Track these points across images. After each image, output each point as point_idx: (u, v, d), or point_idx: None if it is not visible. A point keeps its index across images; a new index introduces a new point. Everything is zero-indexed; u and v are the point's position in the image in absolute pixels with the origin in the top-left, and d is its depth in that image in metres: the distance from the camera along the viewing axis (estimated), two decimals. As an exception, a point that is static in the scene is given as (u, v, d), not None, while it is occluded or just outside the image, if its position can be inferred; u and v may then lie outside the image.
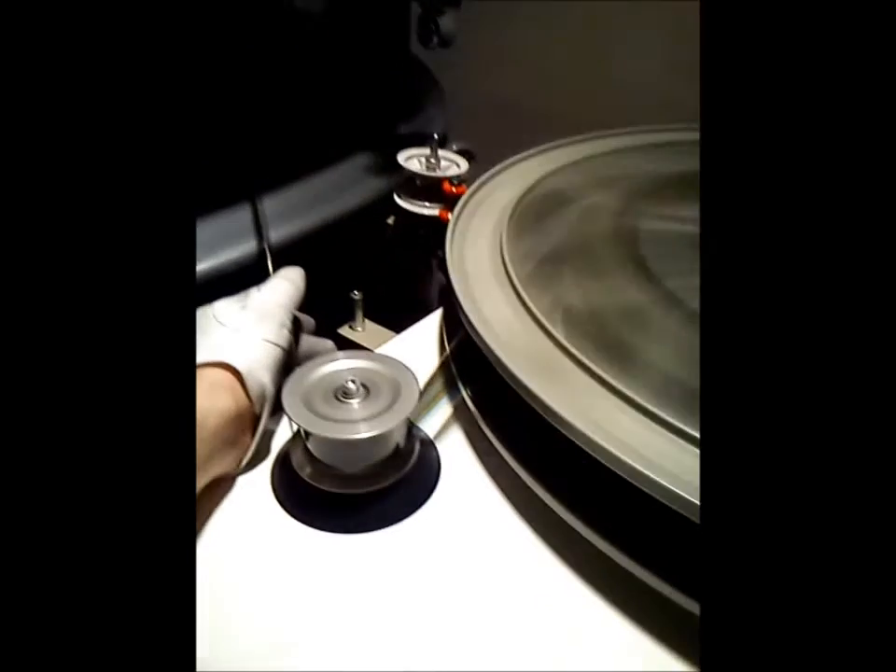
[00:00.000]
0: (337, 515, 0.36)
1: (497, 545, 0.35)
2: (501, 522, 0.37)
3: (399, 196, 0.67)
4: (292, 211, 0.61)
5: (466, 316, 0.37)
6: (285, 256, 0.52)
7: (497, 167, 0.58)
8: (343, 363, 0.38)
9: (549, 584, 0.34)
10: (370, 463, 0.37)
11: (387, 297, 0.60)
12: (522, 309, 0.39)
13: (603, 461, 0.29)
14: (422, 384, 0.41)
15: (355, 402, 0.36)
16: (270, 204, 0.61)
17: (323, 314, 0.54)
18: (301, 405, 0.35)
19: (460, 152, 0.67)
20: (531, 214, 0.51)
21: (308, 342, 0.45)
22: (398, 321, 0.55)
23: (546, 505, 0.35)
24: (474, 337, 0.36)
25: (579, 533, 0.33)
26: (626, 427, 0.30)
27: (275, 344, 0.39)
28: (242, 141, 0.61)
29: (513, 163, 0.59)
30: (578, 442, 0.30)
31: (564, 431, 0.31)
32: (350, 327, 0.55)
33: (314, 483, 0.37)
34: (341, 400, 0.36)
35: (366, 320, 0.55)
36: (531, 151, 0.61)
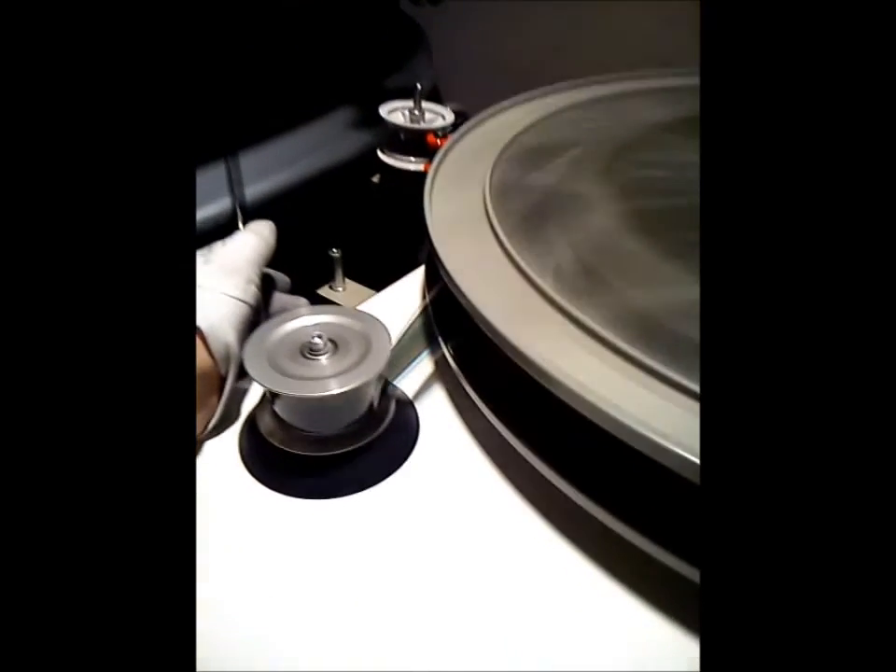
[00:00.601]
0: (308, 480, 0.34)
1: (478, 508, 0.33)
2: (483, 483, 0.34)
3: (383, 152, 0.64)
4: (270, 167, 0.59)
5: (440, 262, 0.35)
6: (262, 213, 0.49)
7: (482, 114, 0.54)
8: (309, 319, 0.35)
9: (535, 549, 0.31)
10: (342, 423, 0.35)
11: (372, 256, 0.58)
12: (504, 257, 0.36)
13: (591, 417, 0.27)
14: (398, 338, 0.38)
15: (323, 359, 0.34)
16: (247, 161, 0.58)
17: (303, 274, 0.52)
18: (266, 365, 0.33)
19: (454, 113, 0.64)
20: (517, 162, 0.48)
21: (281, 300, 0.43)
22: (384, 282, 0.52)
23: (531, 466, 0.32)
24: (449, 284, 0.34)
25: (566, 495, 0.31)
26: (616, 380, 0.28)
27: (241, 301, 0.37)
28: (218, 95, 0.58)
29: (499, 111, 0.56)
30: (562, 398, 0.28)
31: (545, 384, 0.28)
32: (330, 287, 0.52)
33: (283, 447, 0.34)
34: (308, 357, 0.34)
35: (346, 279, 0.53)
36: (517, 98, 0.58)
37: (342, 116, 0.67)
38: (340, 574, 0.30)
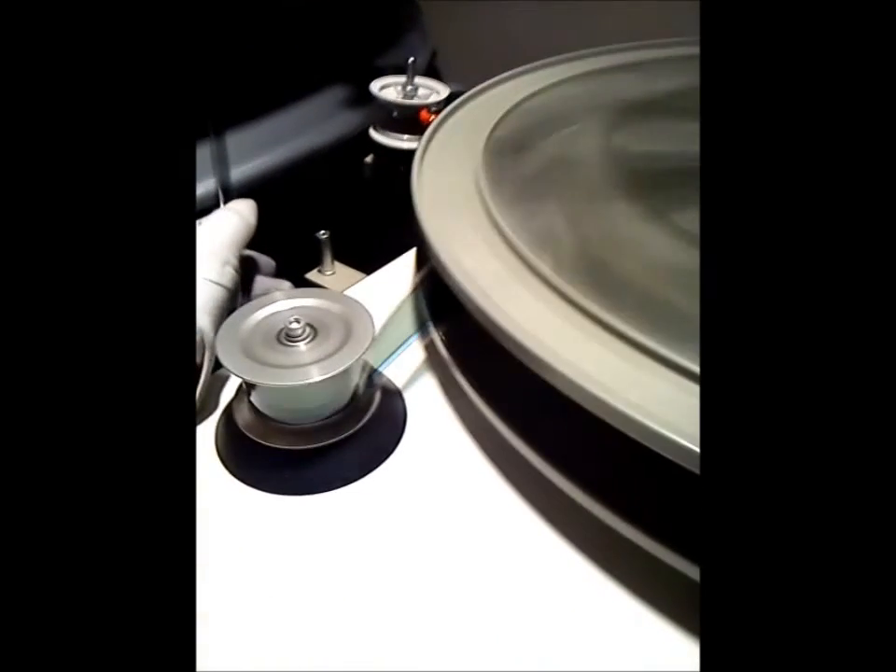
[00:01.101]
0: (287, 475, 0.32)
1: (469, 505, 0.31)
2: (475, 479, 0.32)
3: (375, 130, 0.61)
4: (257, 147, 0.56)
5: (427, 240, 0.32)
6: (248, 195, 0.47)
7: (475, 89, 0.52)
8: (285, 303, 0.33)
9: (531, 549, 0.29)
10: (323, 414, 0.32)
11: (363, 239, 0.55)
12: (496, 235, 0.33)
13: (592, 409, 0.24)
14: (383, 321, 0.36)
15: (301, 345, 0.31)
16: (233, 140, 0.55)
17: (292, 257, 0.50)
18: (239, 353, 0.30)
19: (454, 95, 0.61)
20: (511, 137, 0.45)
21: (263, 283, 0.41)
22: (376, 265, 0.50)
23: (527, 460, 0.30)
24: (435, 263, 0.31)
25: (564, 492, 0.28)
26: (619, 367, 0.25)
27: (217, 284, 0.35)
28: (203, 73, 0.56)
29: (493, 85, 0.53)
30: (560, 387, 0.25)
31: (541, 372, 0.26)
32: (319, 270, 0.50)
33: (260, 441, 0.32)
34: (285, 344, 0.31)
35: (336, 263, 0.50)
36: (513, 72, 0.55)
37: (332, 94, 0.65)
38: (322, 574, 0.28)
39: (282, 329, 0.32)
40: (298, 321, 0.31)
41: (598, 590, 0.28)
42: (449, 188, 0.38)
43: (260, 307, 0.33)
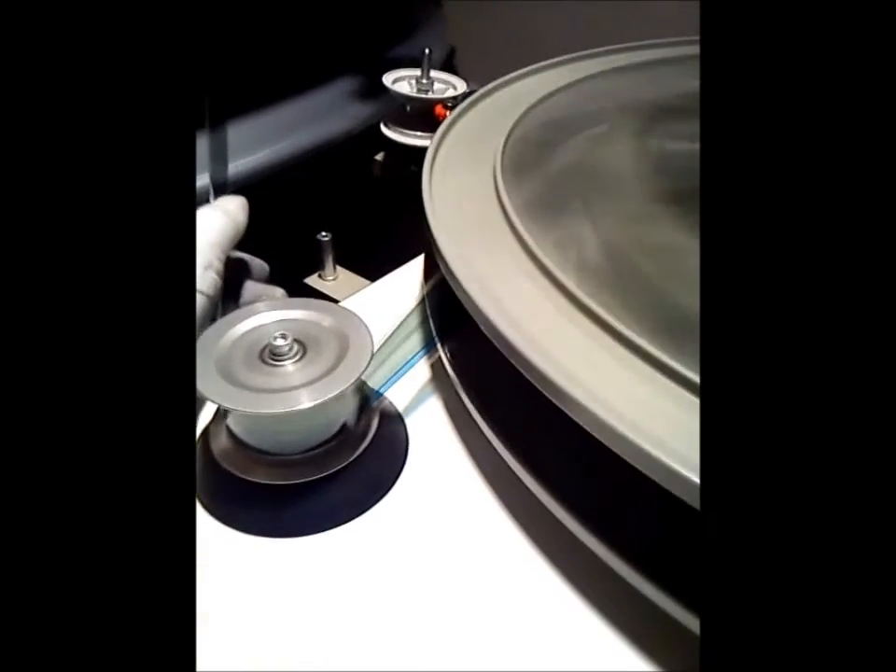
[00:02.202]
0: (270, 514, 0.28)
1: (478, 548, 0.27)
2: (484, 519, 0.28)
3: (387, 126, 0.57)
4: (256, 140, 0.52)
5: (437, 247, 0.28)
6: (245, 191, 0.43)
7: (493, 84, 0.47)
8: (270, 315, 0.29)
9: (541, 595, 0.25)
10: (311, 443, 0.28)
11: (370, 242, 0.51)
12: (515, 243, 0.29)
13: (622, 453, 0.20)
14: (385, 336, 0.32)
15: (288, 364, 0.27)
16: (232, 132, 0.51)
17: (291, 261, 0.46)
18: (215, 374, 0.26)
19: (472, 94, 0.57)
20: (533, 136, 0.41)
21: (254, 290, 0.37)
22: (383, 272, 0.46)
23: (541, 501, 0.26)
24: (446, 274, 0.27)
25: (584, 545, 0.24)
26: (655, 403, 0.21)
27: (197, 291, 0.31)
28: (205, 59, 0.52)
29: (512, 80, 0.49)
30: (585, 425, 0.21)
31: (562, 405, 0.22)
32: (319, 276, 0.46)
33: (239, 474, 0.28)
34: (269, 364, 0.27)
35: (339, 268, 0.46)
36: (532, 67, 0.50)
37: (341, 86, 0.60)
38: (307, 629, 0.24)
39: (266, 346, 0.27)
40: (284, 337, 0.27)
41: (610, 644, 0.23)
42: (464, 191, 0.34)
43: (241, 320, 0.28)
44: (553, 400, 0.22)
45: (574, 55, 0.52)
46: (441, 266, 0.27)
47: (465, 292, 0.25)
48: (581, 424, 0.21)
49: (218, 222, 0.33)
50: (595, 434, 0.21)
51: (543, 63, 0.51)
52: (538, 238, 0.28)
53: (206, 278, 0.31)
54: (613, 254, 0.30)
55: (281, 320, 0.29)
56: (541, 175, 0.37)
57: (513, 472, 0.27)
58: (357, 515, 0.28)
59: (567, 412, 0.21)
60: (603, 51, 0.53)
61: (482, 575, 0.26)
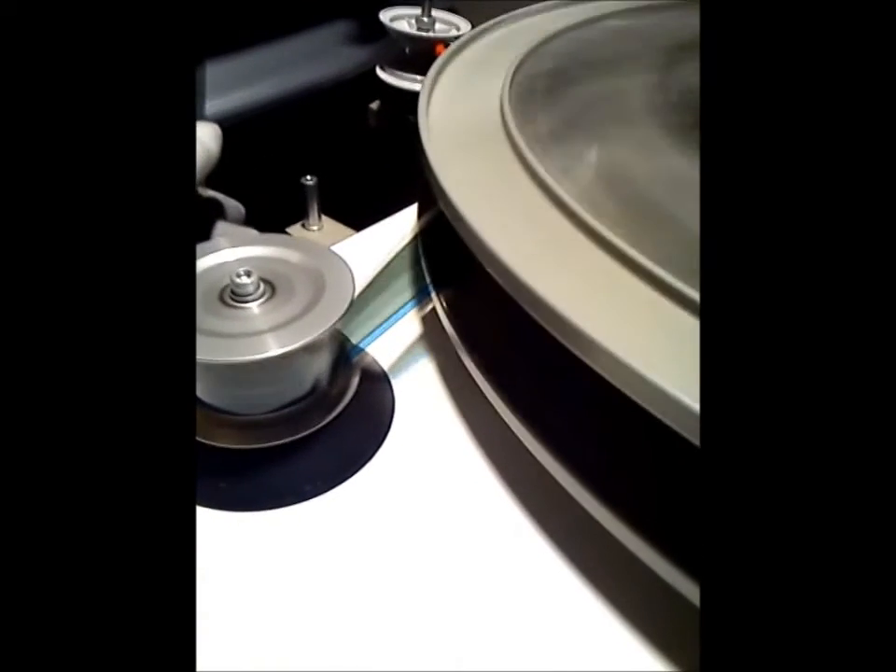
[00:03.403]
0: (233, 484, 0.24)
1: (471, 523, 0.23)
2: (479, 490, 0.24)
3: (384, 69, 0.53)
4: (240, 79, 0.48)
5: (434, 175, 0.24)
6: (228, 132, 0.38)
7: (499, 19, 0.43)
8: (233, 252, 0.25)
9: (540, 570, 0.22)
10: (280, 402, 0.24)
11: (360, 190, 0.47)
12: (523, 172, 0.25)
13: (646, 405, 0.16)
14: (368, 279, 0.28)
15: (253, 306, 0.23)
16: (215, 70, 0.47)
17: (273, 208, 0.42)
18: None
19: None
20: (543, 70, 0.36)
21: (225, 231, 0.32)
22: (373, 222, 0.41)
23: (545, 469, 0.22)
24: (443, 205, 0.23)
25: (587, 510, 0.20)
26: (681, 347, 0.17)
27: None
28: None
29: (521, 16, 0.44)
30: (602, 372, 0.17)
31: (577, 351, 0.18)
32: (303, 225, 0.41)
33: (198, 438, 0.24)
34: (230, 305, 0.23)
35: (324, 217, 0.42)
36: (545, 4, 0.46)
37: (337, 28, 0.56)
38: (277, 607, 0.20)
39: (227, 286, 0.23)
40: (249, 274, 0.23)
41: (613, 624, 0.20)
42: (465, 123, 0.29)
43: (200, 256, 0.24)
44: (562, 340, 0.18)
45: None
46: (437, 192, 0.23)
47: (461, 219, 0.21)
48: (598, 369, 0.17)
49: (184, 149, 0.29)
50: (613, 382, 0.17)
51: (556, 2, 0.47)
52: (546, 165, 0.24)
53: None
54: (626, 181, 0.25)
55: (247, 257, 0.24)
56: (551, 105, 0.33)
57: (516, 436, 0.23)
58: (330, 488, 0.24)
59: (578, 354, 0.17)
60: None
61: (475, 560, 0.22)
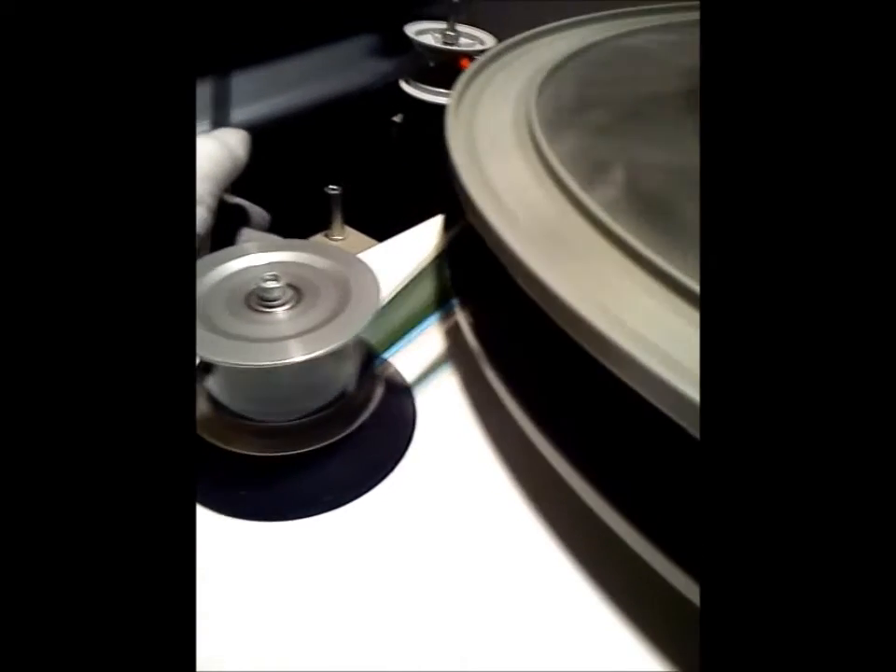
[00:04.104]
0: (252, 493, 0.24)
1: (493, 540, 0.22)
2: (503, 507, 0.23)
3: (408, 82, 0.53)
4: (266, 89, 0.48)
5: (461, 184, 0.23)
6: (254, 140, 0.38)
7: (525, 34, 0.43)
8: (260, 256, 0.24)
9: (557, 589, 0.21)
10: (303, 410, 0.24)
11: (384, 202, 0.47)
12: (548, 178, 0.25)
13: (681, 421, 0.16)
14: (395, 289, 0.27)
15: (279, 312, 0.23)
16: (241, 81, 0.47)
17: (296, 217, 0.42)
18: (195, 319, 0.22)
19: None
20: (571, 82, 0.36)
21: (249, 236, 0.32)
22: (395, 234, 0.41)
23: (572, 488, 0.21)
24: (470, 214, 0.23)
25: (617, 534, 0.20)
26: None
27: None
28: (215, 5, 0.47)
29: (545, 33, 0.44)
30: (634, 385, 0.17)
31: (605, 360, 0.17)
32: (326, 235, 0.41)
33: (217, 444, 0.24)
34: (256, 310, 0.23)
35: (347, 227, 0.42)
36: (576, 19, 0.46)
37: (361, 40, 0.56)
38: (286, 625, 0.20)
39: (253, 291, 0.23)
40: (276, 279, 0.23)
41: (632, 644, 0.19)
42: (493, 133, 0.29)
43: (227, 260, 0.24)
44: (592, 352, 0.17)
45: (622, 10, 0.48)
46: (465, 202, 0.23)
47: (489, 228, 0.21)
48: (632, 383, 0.17)
49: (215, 153, 0.29)
50: (647, 397, 0.16)
51: (583, 18, 0.47)
52: (576, 177, 0.24)
53: (196, 213, 0.27)
54: (658, 196, 0.25)
55: (274, 262, 0.24)
56: (579, 118, 0.32)
57: (541, 453, 0.22)
58: (351, 499, 0.23)
59: (610, 367, 0.17)
60: (650, 9, 0.49)
61: (493, 573, 0.21)
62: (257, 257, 0.24)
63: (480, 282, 0.26)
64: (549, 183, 0.24)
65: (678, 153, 0.27)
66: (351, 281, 0.23)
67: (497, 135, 0.29)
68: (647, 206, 0.24)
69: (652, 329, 0.17)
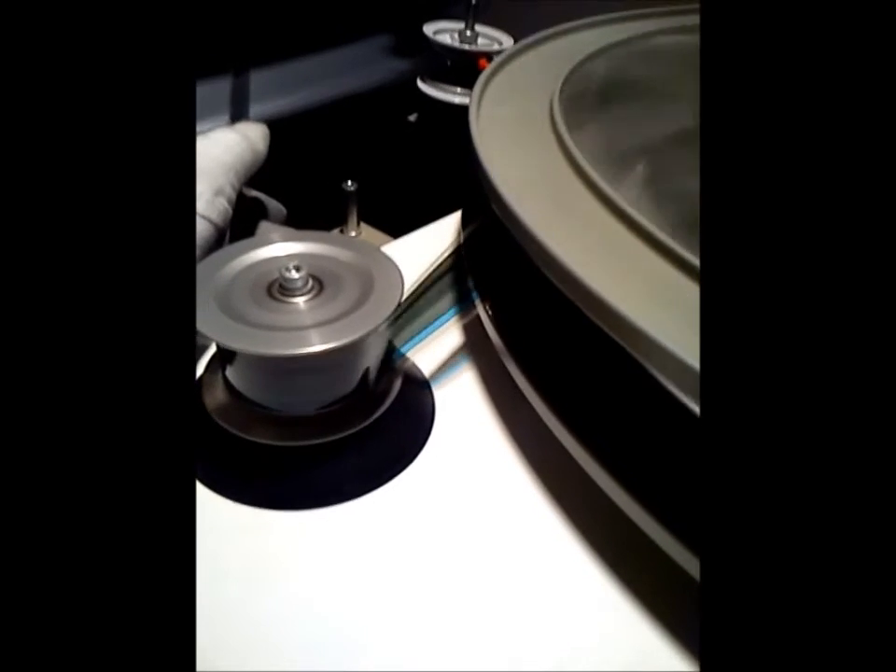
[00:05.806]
0: (270, 482, 0.23)
1: (511, 535, 0.22)
2: (521, 502, 0.23)
3: (424, 81, 0.53)
4: (284, 86, 0.48)
5: (485, 174, 0.23)
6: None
7: (544, 32, 0.43)
8: (283, 246, 0.24)
9: (578, 584, 0.21)
10: (322, 400, 0.24)
11: (399, 200, 0.47)
12: (573, 174, 0.24)
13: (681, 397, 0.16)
14: (417, 282, 0.27)
15: (300, 301, 0.23)
16: (260, 77, 0.47)
17: (311, 212, 0.42)
18: (214, 307, 0.22)
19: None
20: (594, 79, 0.36)
21: (267, 229, 0.32)
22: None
23: (595, 484, 0.21)
24: (494, 204, 0.22)
25: (632, 522, 0.20)
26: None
27: (202, 216, 0.26)
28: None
29: (564, 32, 0.44)
30: (663, 380, 0.17)
31: (634, 351, 0.17)
32: (341, 230, 0.41)
33: (235, 432, 0.24)
34: (277, 299, 0.23)
35: (363, 224, 0.42)
36: (599, 18, 0.46)
37: (378, 40, 0.56)
38: (307, 615, 0.20)
39: (275, 280, 0.23)
40: (298, 269, 0.23)
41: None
42: (517, 124, 0.29)
43: (250, 249, 0.24)
44: (619, 341, 0.17)
45: (646, 11, 0.48)
46: (489, 192, 0.23)
47: (514, 219, 0.21)
48: (659, 375, 0.17)
49: (236, 145, 0.29)
50: (672, 389, 0.16)
51: (602, 17, 0.46)
52: (599, 171, 0.24)
53: (216, 204, 0.27)
54: (680, 189, 0.25)
55: (297, 253, 0.24)
56: (604, 113, 0.32)
57: (563, 448, 0.22)
58: (370, 490, 0.23)
59: (638, 357, 0.17)
60: (671, 11, 0.48)
61: (514, 571, 0.21)
62: (281, 247, 0.24)
63: (501, 276, 0.26)
64: (572, 176, 0.24)
65: (696, 153, 0.27)
66: (374, 274, 0.23)
67: (520, 130, 0.29)
68: (669, 198, 0.24)
69: (681, 320, 0.17)
